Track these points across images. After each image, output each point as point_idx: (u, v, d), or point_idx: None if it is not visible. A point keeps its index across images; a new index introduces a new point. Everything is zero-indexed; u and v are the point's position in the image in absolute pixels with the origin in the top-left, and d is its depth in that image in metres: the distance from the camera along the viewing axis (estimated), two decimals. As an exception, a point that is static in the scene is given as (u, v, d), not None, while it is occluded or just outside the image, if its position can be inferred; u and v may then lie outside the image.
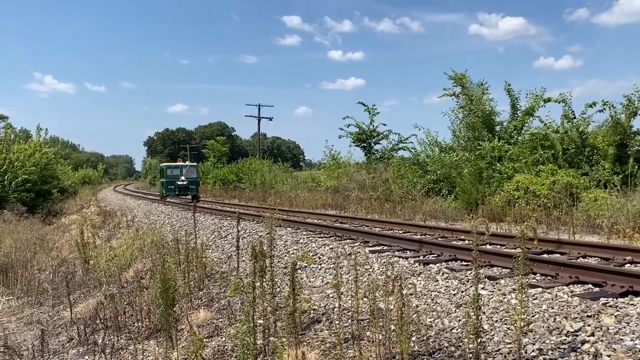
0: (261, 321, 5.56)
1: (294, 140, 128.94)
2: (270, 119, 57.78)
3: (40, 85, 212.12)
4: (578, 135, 15.95)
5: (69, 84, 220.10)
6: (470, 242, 9.19)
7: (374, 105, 28.32)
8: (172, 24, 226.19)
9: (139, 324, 7.39)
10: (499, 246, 9.29)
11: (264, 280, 5.45)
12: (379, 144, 28.40)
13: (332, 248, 9.69)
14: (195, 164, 34.84)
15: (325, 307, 6.88)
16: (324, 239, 10.90)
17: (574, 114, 16.48)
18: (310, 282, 8.15)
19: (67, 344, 7.49)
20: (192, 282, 8.70)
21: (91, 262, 11.37)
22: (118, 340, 6.98)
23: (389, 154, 27.20)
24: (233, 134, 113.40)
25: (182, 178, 30.32)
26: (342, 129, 28.22)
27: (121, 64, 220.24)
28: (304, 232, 11.94)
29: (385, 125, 31.79)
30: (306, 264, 8.69)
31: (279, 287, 7.06)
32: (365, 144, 28.27)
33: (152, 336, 6.95)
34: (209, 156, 54.43)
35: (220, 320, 7.02)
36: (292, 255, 9.81)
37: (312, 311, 6.74)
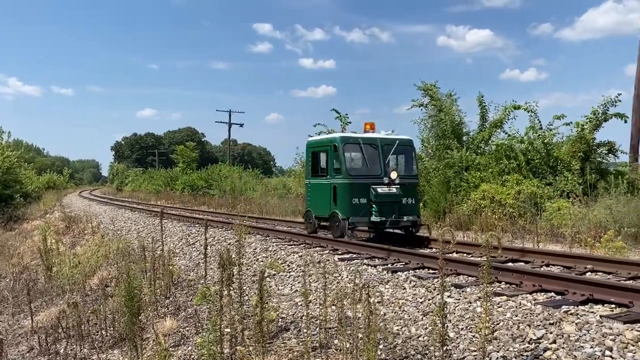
0: (228, 330, 5.51)
1: (265, 146, 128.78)
2: (241, 125, 57.75)
3: (4, 87, 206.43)
4: (543, 146, 16.35)
5: (35, 86, 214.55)
6: (438, 250, 9.32)
7: (346, 114, 28.44)
8: (142, 28, 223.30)
9: (103, 333, 7.24)
10: (465, 254, 9.44)
11: (232, 288, 5.41)
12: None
13: (301, 256, 9.68)
14: (407, 138, 11.86)
15: (293, 315, 6.86)
16: (293, 246, 10.88)
17: (540, 125, 16.91)
18: (279, 290, 8.11)
19: (27, 354, 7.28)
20: (158, 290, 8.57)
21: (54, 269, 11.08)
22: (81, 350, 6.82)
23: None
24: (203, 139, 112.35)
25: (392, 177, 10.85)
26: (311, 136, 28.24)
27: (89, 68, 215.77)
28: (274, 240, 11.90)
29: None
30: (275, 272, 8.66)
31: (247, 295, 7.01)
32: (336, 152, 28.35)
33: (117, 345, 6.82)
34: (178, 162, 53.77)
35: (187, 329, 6.93)
36: (261, 263, 9.76)
37: (280, 319, 6.71)
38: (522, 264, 8.45)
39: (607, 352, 4.39)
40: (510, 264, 8.33)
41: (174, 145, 74.81)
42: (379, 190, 10.64)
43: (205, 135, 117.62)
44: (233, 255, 5.51)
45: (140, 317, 5.97)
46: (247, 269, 9.04)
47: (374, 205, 10.59)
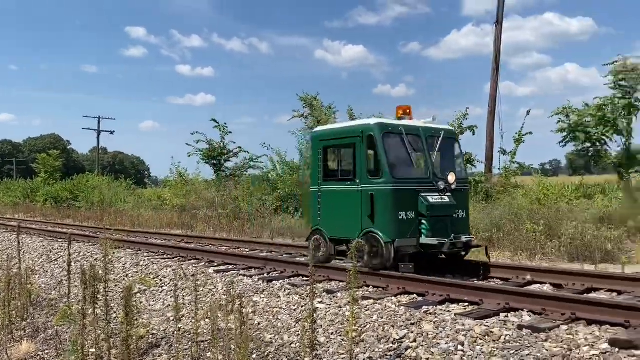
0: (94, 350, 5.22)
1: (139, 155, 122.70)
2: (112, 132, 54.59)
3: None
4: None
5: None
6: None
7: (226, 124, 28.16)
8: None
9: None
10: (337, 261, 9.76)
11: (97, 306, 5.14)
12: (229, 161, 28.26)
13: (174, 269, 9.41)
14: (451, 129, 9.52)
15: (165, 330, 6.66)
16: (167, 260, 10.54)
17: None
18: (150, 305, 7.82)
19: None
20: (14, 312, 7.85)
21: None
22: None
23: (240, 172, 27.22)
24: (69, 147, 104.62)
25: (450, 181, 8.13)
26: (190, 145, 27.56)
27: None
28: (146, 254, 11.42)
29: (234, 142, 31.74)
30: (146, 287, 8.33)
31: (115, 312, 6.67)
32: (215, 162, 27.96)
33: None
34: (40, 171, 49.50)
35: (47, 352, 6.44)
36: (132, 278, 9.33)
37: (150, 336, 6.48)
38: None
39: (460, 347, 4.82)
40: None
41: (35, 154, 68.75)
42: (431, 199, 7.80)
43: (71, 142, 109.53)
44: (100, 272, 5.23)
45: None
46: (115, 285, 8.59)
47: (423, 222, 7.73)
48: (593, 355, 4.39)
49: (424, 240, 7.71)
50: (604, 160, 17.45)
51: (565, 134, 17.83)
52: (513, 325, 5.22)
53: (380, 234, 7.53)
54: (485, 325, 5.24)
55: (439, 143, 8.30)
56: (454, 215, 8.06)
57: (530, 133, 17.96)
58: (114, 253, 10.68)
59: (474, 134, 17.40)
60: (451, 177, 8.08)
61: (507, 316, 5.61)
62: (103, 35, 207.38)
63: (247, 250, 11.97)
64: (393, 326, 5.49)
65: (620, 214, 12.47)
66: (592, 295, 6.58)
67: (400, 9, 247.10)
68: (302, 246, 11.61)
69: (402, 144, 7.91)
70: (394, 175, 7.64)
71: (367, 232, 7.69)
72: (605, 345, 4.53)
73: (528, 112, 19.64)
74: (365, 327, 5.61)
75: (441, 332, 5.20)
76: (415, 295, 6.65)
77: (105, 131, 52.87)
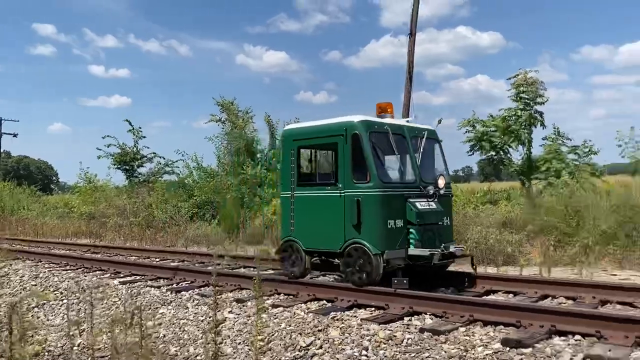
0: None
1: (47, 160, 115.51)
2: (15, 135, 50.95)
3: None
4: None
5: None
6: (227, 265, 9.42)
7: (140, 127, 27.13)
8: None
9: None
10: (252, 269, 9.68)
11: (-19, 324, 4.74)
12: (142, 167, 27.23)
13: (77, 281, 8.91)
14: (432, 128, 8.28)
15: (63, 346, 6.26)
16: (69, 271, 9.96)
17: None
18: (49, 320, 7.34)
19: None
20: None
21: None
22: None
23: (154, 178, 26.31)
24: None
25: (440, 185, 7.57)
26: (100, 149, 26.29)
27: None
28: (47, 265, 10.75)
29: (148, 147, 30.66)
30: (45, 301, 7.82)
31: (6, 329, 6.20)
32: (127, 167, 26.84)
33: None
34: None
35: None
36: (29, 291, 8.73)
37: (46, 353, 6.07)
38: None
39: (364, 352, 4.90)
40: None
41: None
42: (419, 206, 7.12)
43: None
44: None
45: None
46: (9, 299, 7.98)
47: (412, 231, 7.04)
48: (487, 355, 4.61)
49: (413, 251, 6.97)
50: (507, 168, 18.50)
51: (472, 143, 18.74)
52: (415, 328, 5.39)
53: (368, 245, 6.67)
54: (389, 330, 5.38)
55: (422, 144, 7.60)
56: (440, 223, 7.41)
57: (441, 140, 18.23)
58: (10, 265, 9.96)
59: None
60: (441, 181, 7.50)
61: (410, 320, 5.78)
62: (6, 32, 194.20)
63: (157, 260, 11.58)
64: (301, 333, 5.49)
65: (522, 219, 13.26)
66: (490, 297, 6.93)
67: (322, 17, 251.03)
68: (207, 254, 11.41)
69: (388, 144, 7.17)
70: (383, 179, 6.90)
71: (352, 243, 6.84)
72: (498, 345, 4.77)
73: (439, 121, 20.43)
74: (273, 335, 5.57)
75: (347, 337, 5.27)
76: (324, 302, 6.70)
77: (8, 134, 49.30)
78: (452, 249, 7.12)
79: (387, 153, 7.25)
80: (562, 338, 4.91)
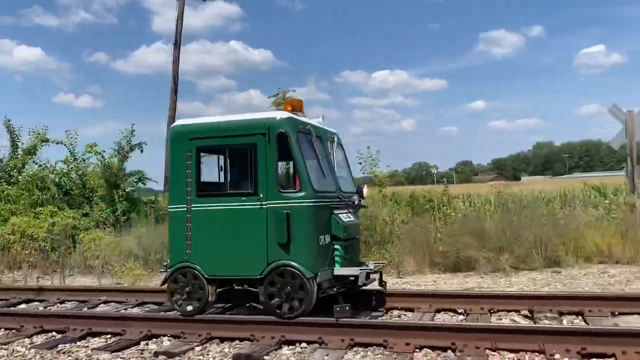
0: None
1: None
2: None
3: None
4: (78, 176, 16.24)
5: None
6: None
7: None
8: None
9: None
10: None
11: None
12: None
13: None
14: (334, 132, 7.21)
15: None
16: None
17: (74, 156, 16.67)
18: None
19: None
20: None
21: None
22: None
23: None
24: None
25: (365, 195, 6.92)
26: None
27: None
28: None
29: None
30: None
31: None
32: None
33: None
34: None
35: None
36: None
37: None
38: (37, 303, 8.05)
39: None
40: (21, 306, 7.78)
41: None
42: (344, 219, 6.20)
43: None
44: None
45: None
46: None
47: (337, 247, 6.04)
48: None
49: (339, 270, 5.97)
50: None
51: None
52: (150, 353, 5.19)
53: (301, 268, 5.55)
54: (121, 357, 5.08)
55: (334, 148, 6.74)
56: (356, 237, 6.68)
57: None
58: None
59: (142, 151, 16.98)
60: (366, 191, 6.78)
61: (147, 344, 5.55)
62: None
63: None
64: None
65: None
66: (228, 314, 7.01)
67: (85, 15, 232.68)
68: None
69: (311, 147, 6.06)
70: (315, 188, 5.77)
71: (279, 266, 5.64)
72: (230, 361, 4.87)
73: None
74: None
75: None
76: (54, 333, 6.05)
77: None
78: (371, 265, 6.32)
79: (310, 157, 6.04)
80: (290, 347, 5.23)
